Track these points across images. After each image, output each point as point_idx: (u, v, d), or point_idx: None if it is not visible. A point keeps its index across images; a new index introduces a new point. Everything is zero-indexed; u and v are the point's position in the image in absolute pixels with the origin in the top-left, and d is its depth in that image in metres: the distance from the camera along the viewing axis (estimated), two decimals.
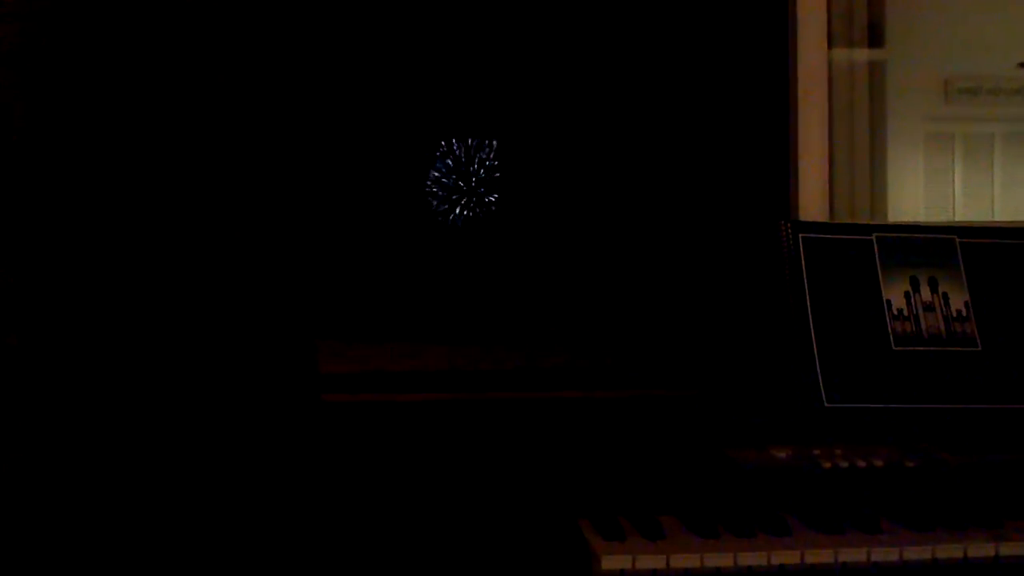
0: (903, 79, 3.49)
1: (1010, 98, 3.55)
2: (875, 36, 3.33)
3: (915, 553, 1.60)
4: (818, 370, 1.93)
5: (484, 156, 2.41)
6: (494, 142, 2.41)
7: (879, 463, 1.79)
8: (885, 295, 2.00)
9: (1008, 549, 1.61)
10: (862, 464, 1.79)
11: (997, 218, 3.30)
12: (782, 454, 1.82)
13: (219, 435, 2.04)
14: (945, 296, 2.01)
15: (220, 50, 2.28)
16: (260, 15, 2.28)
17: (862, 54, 2.70)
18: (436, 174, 2.42)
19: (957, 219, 3.38)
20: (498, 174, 2.38)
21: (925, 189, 3.57)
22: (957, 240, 2.06)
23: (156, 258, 2.20)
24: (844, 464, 1.79)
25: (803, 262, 2.01)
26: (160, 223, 2.22)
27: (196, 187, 2.23)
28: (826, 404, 1.91)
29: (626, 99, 2.37)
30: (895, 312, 1.99)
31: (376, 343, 1.95)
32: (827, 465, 1.79)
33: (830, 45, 2.45)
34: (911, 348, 1.97)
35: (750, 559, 1.58)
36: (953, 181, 3.60)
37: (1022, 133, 3.58)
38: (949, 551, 1.60)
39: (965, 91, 3.60)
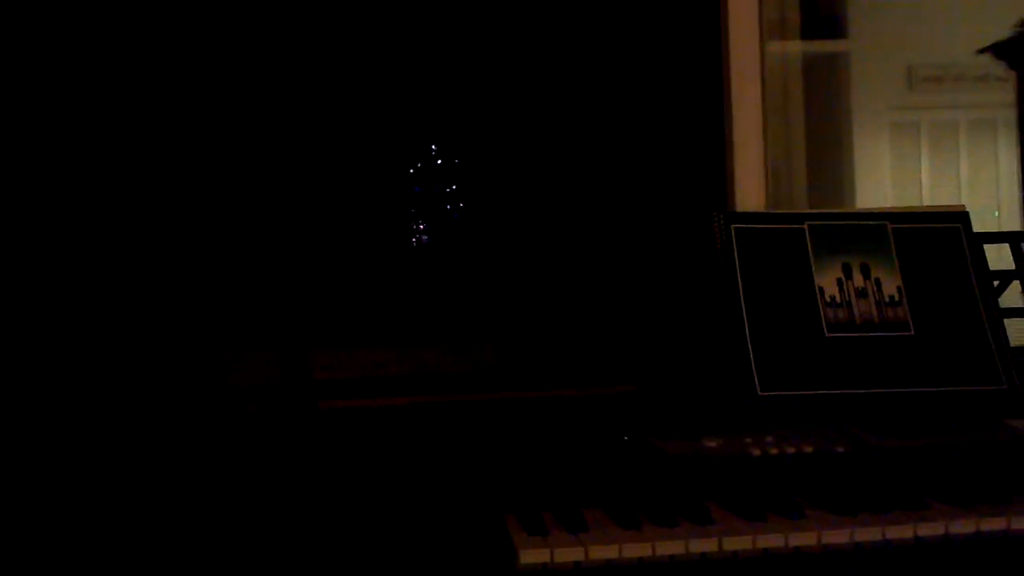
0: (867, 69, 3.50)
1: (973, 84, 3.56)
2: (838, 28, 3.34)
3: (834, 537, 1.60)
4: (752, 359, 1.94)
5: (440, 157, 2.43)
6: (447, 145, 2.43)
7: (808, 449, 1.80)
8: (817, 282, 2.01)
9: (927, 530, 1.61)
10: (791, 451, 1.79)
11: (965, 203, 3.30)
12: (713, 443, 1.83)
13: (215, 441, 2.04)
14: (878, 282, 2.02)
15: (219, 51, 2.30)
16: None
17: (798, 46, 2.71)
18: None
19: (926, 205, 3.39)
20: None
21: (892, 177, 3.58)
22: (889, 226, 2.07)
23: (144, 265, 2.22)
24: (774, 451, 1.80)
25: (736, 252, 2.02)
26: (150, 229, 2.24)
27: (189, 194, 2.25)
28: (760, 392, 1.92)
29: (560, 96, 2.38)
30: (827, 299, 2.00)
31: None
32: (756, 453, 1.80)
33: (765, 37, 2.47)
34: (844, 334, 1.97)
35: (669, 548, 1.59)
36: (920, 169, 3.61)
37: (986, 119, 3.59)
38: (868, 534, 1.61)
39: (929, 79, 3.61)
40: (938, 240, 2.06)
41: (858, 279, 2.02)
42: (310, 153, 2.38)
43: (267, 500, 1.76)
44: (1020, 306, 2.11)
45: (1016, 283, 2.11)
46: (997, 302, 2.05)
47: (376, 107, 2.40)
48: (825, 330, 1.98)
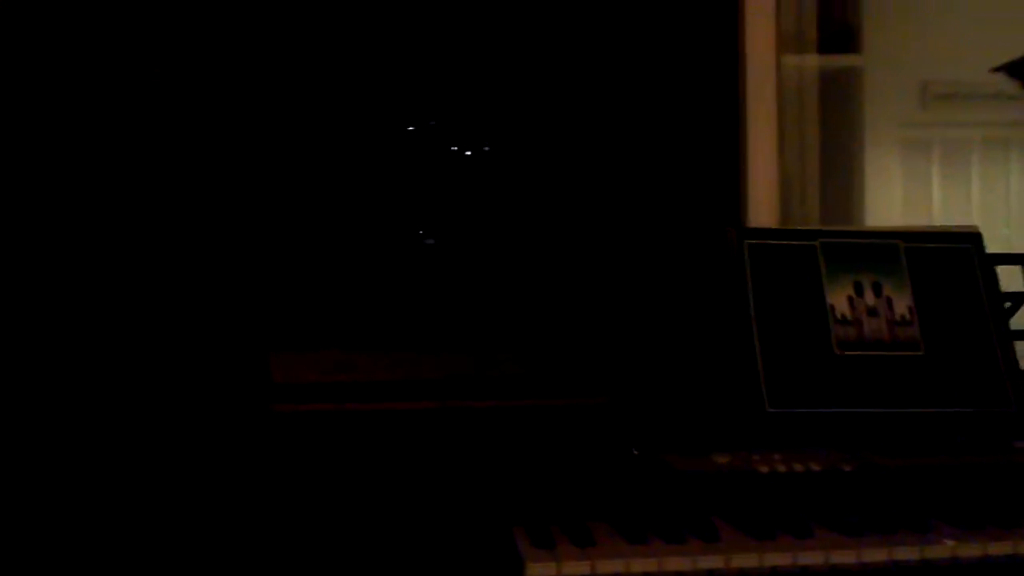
0: (880, 85, 3.49)
1: (986, 103, 3.55)
2: (853, 42, 3.34)
3: (841, 557, 1.60)
4: (761, 375, 1.94)
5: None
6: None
7: (816, 467, 1.79)
8: (829, 300, 2.01)
9: (933, 552, 1.61)
10: (800, 468, 1.79)
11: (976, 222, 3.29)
12: (722, 460, 1.83)
13: (165, 446, 2.05)
14: (889, 300, 2.02)
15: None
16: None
17: (814, 60, 2.71)
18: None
19: (938, 225, 3.38)
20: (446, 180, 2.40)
21: (903, 195, 3.57)
22: (902, 245, 2.06)
23: (100, 266, 2.21)
24: (782, 468, 1.80)
25: (748, 268, 2.02)
26: (107, 230, 2.23)
27: (145, 194, 2.25)
28: (768, 409, 1.92)
29: (575, 106, 2.38)
30: (838, 317, 2.00)
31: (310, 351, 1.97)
32: (764, 470, 1.79)
33: (781, 51, 2.46)
34: (854, 353, 1.97)
35: (676, 564, 1.59)
36: (931, 187, 3.60)
37: (999, 138, 3.58)
38: (875, 555, 1.61)
39: (942, 96, 3.60)
40: (950, 260, 2.06)
41: (869, 297, 2.02)
42: (296, 151, 2.38)
43: (269, 507, 1.76)
44: None
45: None
46: (1008, 324, 2.04)
47: (383, 100, 2.40)
48: (835, 348, 1.98)
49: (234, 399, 2.10)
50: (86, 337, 2.22)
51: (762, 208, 2.39)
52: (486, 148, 2.40)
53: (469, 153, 2.40)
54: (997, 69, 3.27)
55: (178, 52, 2.33)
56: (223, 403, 2.11)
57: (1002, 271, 2.10)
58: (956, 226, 2.10)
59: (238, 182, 2.32)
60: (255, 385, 1.98)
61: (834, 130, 3.25)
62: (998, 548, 1.64)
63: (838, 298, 2.01)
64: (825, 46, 3.02)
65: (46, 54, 2.28)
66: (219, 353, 2.15)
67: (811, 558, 1.61)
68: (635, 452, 1.82)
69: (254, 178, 2.34)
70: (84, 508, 2.09)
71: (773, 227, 2.40)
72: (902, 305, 2.02)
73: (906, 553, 1.61)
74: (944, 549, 1.61)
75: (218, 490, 2.01)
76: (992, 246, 2.11)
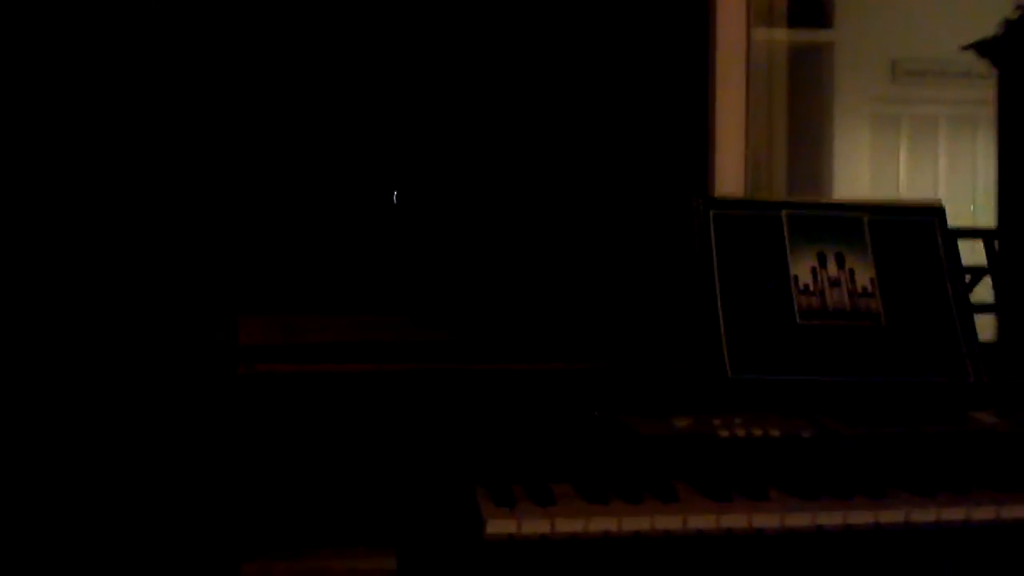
0: (851, 60, 3.52)
1: (955, 81, 3.58)
2: (824, 17, 3.36)
3: (796, 520, 1.63)
4: (723, 342, 1.96)
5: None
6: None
7: (775, 433, 1.82)
8: (792, 270, 2.03)
9: (887, 517, 1.64)
10: (758, 434, 1.82)
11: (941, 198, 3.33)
12: (682, 423, 1.85)
13: (131, 408, 2.06)
14: (851, 272, 2.04)
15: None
16: None
17: (784, 34, 2.73)
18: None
19: (902, 199, 3.42)
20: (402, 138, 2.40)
21: (871, 169, 3.61)
22: (866, 217, 2.09)
23: (65, 230, 2.21)
24: (741, 434, 1.82)
25: (713, 237, 2.04)
26: (71, 193, 2.23)
27: (109, 158, 2.24)
28: (730, 375, 1.94)
29: (544, 79, 2.39)
30: (801, 287, 2.02)
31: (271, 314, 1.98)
32: (724, 434, 1.82)
33: (751, 25, 2.48)
34: (816, 322, 2.00)
35: (634, 524, 1.61)
36: (899, 162, 3.64)
37: (966, 116, 3.62)
38: (830, 518, 1.64)
39: (912, 73, 3.64)
40: (913, 233, 2.09)
41: (832, 269, 2.04)
42: (268, 121, 2.38)
43: (233, 467, 1.77)
44: (990, 302, 2.14)
45: (987, 279, 2.14)
46: (968, 297, 2.07)
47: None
48: (797, 317, 2.00)
49: (201, 361, 2.11)
50: (51, 304, 2.22)
51: (729, 180, 2.41)
52: (452, 119, 2.40)
53: (435, 121, 2.41)
54: (967, 47, 3.29)
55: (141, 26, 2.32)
56: (190, 365, 2.12)
57: (963, 245, 2.13)
58: (920, 200, 2.12)
59: (204, 147, 2.32)
60: (222, 348, 1.99)
61: (804, 104, 3.28)
62: (951, 514, 1.67)
63: (801, 268, 2.04)
64: (796, 20, 3.04)
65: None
66: (187, 316, 2.16)
67: (766, 520, 1.64)
68: (596, 414, 1.84)
69: (220, 142, 2.34)
70: (50, 471, 2.09)
71: (739, 198, 2.42)
72: (864, 277, 2.04)
73: (860, 517, 1.64)
74: (898, 514, 1.64)
75: (183, 448, 2.02)
76: (958, 222, 2.13)
